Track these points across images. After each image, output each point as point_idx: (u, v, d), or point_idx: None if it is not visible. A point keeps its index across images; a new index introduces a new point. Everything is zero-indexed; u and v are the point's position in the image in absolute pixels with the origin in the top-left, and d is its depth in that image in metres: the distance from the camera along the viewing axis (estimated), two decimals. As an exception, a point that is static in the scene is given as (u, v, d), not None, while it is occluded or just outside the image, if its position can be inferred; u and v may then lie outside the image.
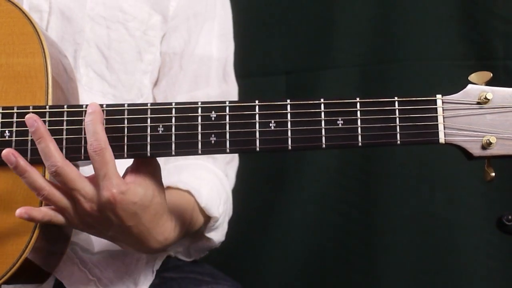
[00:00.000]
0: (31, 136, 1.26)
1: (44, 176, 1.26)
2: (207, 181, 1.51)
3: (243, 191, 1.71)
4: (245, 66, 1.83)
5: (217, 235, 1.54)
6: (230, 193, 1.59)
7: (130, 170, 1.27)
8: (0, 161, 1.24)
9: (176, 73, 1.59)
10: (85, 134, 1.24)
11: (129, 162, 1.29)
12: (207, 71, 1.61)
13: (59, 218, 1.26)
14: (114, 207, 1.23)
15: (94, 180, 1.24)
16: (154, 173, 1.28)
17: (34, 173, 1.23)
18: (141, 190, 1.25)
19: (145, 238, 1.29)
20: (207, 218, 1.49)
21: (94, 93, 1.51)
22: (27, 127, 1.25)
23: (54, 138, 1.25)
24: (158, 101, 1.59)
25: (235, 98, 1.65)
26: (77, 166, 1.35)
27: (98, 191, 1.23)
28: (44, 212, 1.25)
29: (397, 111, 1.21)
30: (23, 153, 1.26)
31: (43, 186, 1.23)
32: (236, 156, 1.64)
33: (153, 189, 1.27)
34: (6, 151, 1.23)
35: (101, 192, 1.23)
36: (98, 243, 1.50)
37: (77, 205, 1.25)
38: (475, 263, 2.16)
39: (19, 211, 1.22)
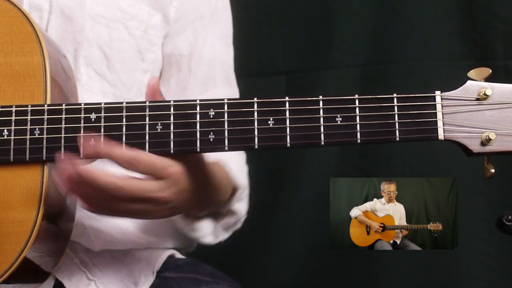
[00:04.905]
0: (29, 135, 1.26)
1: (43, 176, 1.26)
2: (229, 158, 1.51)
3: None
4: (245, 66, 1.83)
5: (244, 205, 1.55)
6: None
7: None
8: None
9: (186, 76, 1.59)
10: (84, 132, 1.24)
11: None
12: (214, 73, 1.62)
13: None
14: (178, 177, 1.24)
15: (149, 178, 1.24)
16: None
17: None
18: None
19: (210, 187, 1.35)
20: (233, 191, 1.49)
21: (94, 92, 1.51)
22: (25, 125, 1.25)
23: (52, 136, 1.25)
24: None
25: None
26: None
27: (159, 181, 1.23)
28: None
29: (396, 107, 1.21)
30: (22, 152, 1.25)
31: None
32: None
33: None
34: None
35: (162, 176, 1.23)
36: (98, 243, 1.50)
37: (158, 202, 1.25)
38: (475, 263, 2.16)
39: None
